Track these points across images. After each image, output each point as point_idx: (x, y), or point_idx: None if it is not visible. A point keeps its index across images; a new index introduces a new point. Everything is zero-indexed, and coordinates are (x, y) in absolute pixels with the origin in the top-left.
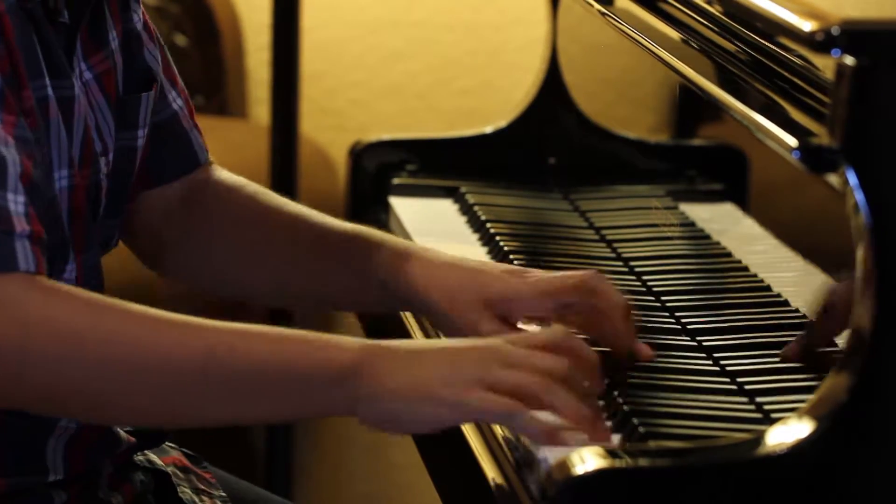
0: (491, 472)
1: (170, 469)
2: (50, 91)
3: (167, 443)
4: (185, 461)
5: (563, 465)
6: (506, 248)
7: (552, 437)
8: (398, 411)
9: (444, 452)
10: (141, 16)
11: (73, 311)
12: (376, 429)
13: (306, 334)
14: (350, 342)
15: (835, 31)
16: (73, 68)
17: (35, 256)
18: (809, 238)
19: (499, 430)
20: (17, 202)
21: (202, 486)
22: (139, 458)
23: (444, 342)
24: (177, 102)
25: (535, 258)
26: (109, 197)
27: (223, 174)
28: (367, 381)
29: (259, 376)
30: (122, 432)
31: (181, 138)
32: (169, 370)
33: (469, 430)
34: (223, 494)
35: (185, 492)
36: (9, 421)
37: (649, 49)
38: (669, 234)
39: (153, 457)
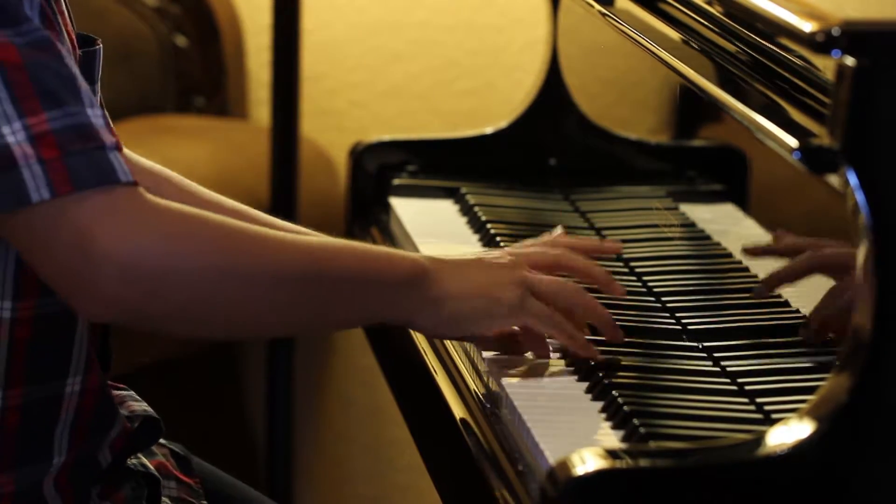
0: (492, 474)
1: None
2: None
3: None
4: (169, 464)
5: (564, 466)
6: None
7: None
8: (458, 312)
9: (445, 453)
10: None
11: (207, 228)
12: (432, 334)
13: (380, 250)
14: (414, 255)
15: (835, 31)
16: None
17: (127, 167)
18: (810, 238)
19: (500, 431)
20: (95, 115)
21: (182, 495)
22: (132, 461)
23: (471, 255)
24: None
25: None
26: None
27: None
28: (433, 286)
29: (349, 285)
30: (120, 410)
31: None
32: (287, 281)
33: (470, 430)
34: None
35: (164, 501)
36: (20, 415)
37: (650, 50)
38: (670, 235)
39: (144, 460)
